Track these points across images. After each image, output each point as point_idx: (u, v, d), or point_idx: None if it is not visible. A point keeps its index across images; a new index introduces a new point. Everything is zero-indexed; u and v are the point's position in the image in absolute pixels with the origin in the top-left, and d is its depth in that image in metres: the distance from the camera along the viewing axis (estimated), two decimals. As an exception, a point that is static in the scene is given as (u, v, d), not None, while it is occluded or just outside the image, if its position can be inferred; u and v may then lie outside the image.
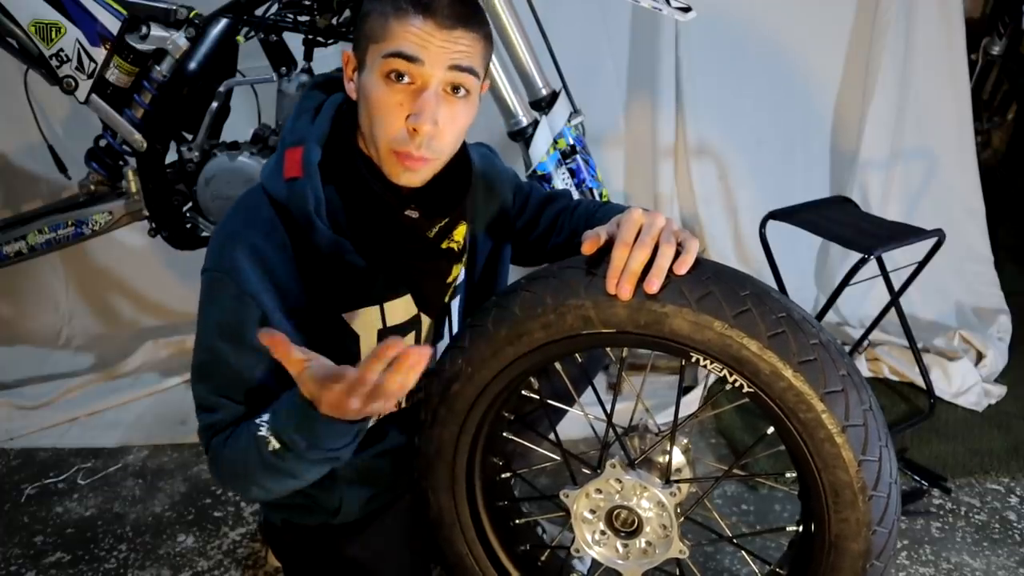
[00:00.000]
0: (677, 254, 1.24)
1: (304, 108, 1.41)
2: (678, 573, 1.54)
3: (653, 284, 1.22)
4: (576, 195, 2.33)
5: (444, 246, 1.43)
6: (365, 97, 1.29)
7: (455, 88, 1.27)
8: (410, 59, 1.23)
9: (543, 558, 1.65)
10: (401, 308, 1.46)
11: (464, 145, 1.41)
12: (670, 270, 1.23)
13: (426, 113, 1.24)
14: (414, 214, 1.34)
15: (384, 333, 1.45)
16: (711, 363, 1.25)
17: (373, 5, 1.28)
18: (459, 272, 1.52)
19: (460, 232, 1.45)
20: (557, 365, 1.50)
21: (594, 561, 1.52)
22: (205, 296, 1.34)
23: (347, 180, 1.35)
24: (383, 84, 1.25)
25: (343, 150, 1.35)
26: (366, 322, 1.43)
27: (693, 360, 1.26)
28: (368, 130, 1.30)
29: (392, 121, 1.26)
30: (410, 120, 1.25)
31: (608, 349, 1.66)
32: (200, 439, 1.42)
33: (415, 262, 1.41)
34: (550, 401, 1.56)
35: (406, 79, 1.24)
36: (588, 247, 1.30)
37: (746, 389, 1.25)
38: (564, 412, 1.71)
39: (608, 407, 1.46)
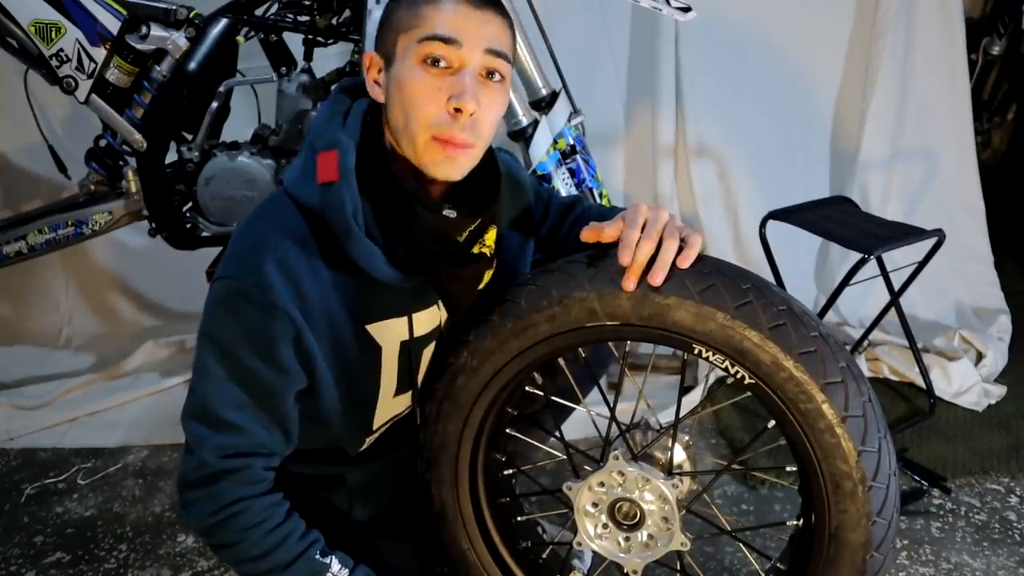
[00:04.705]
0: (680, 249, 1.27)
1: (334, 111, 1.35)
2: (679, 568, 1.55)
3: (657, 276, 1.25)
4: (576, 195, 2.34)
5: (476, 251, 1.40)
6: (399, 88, 1.26)
7: (490, 73, 1.26)
8: (448, 41, 1.21)
9: (544, 555, 1.65)
10: (428, 318, 1.44)
11: (490, 148, 1.38)
12: (673, 263, 1.25)
13: (469, 92, 1.22)
14: (451, 213, 1.30)
15: (407, 344, 1.43)
16: (713, 354, 1.26)
17: (398, 2, 1.28)
18: (489, 277, 1.48)
19: (491, 237, 1.43)
20: (561, 363, 1.51)
21: (594, 560, 1.52)
22: (224, 306, 1.27)
23: (380, 184, 1.29)
24: (420, 70, 1.23)
25: (374, 154, 1.30)
26: (391, 333, 1.40)
27: (695, 352, 1.28)
28: (404, 123, 1.26)
29: (432, 104, 1.23)
30: (452, 101, 1.22)
31: (612, 347, 1.67)
32: (197, 456, 1.30)
33: (447, 267, 1.37)
34: (554, 398, 1.56)
35: (443, 63, 1.23)
36: (587, 235, 1.33)
37: (747, 381, 1.26)
38: (568, 410, 1.71)
39: (611, 403, 1.47)
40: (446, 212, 1.29)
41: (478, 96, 1.23)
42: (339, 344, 1.35)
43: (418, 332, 1.43)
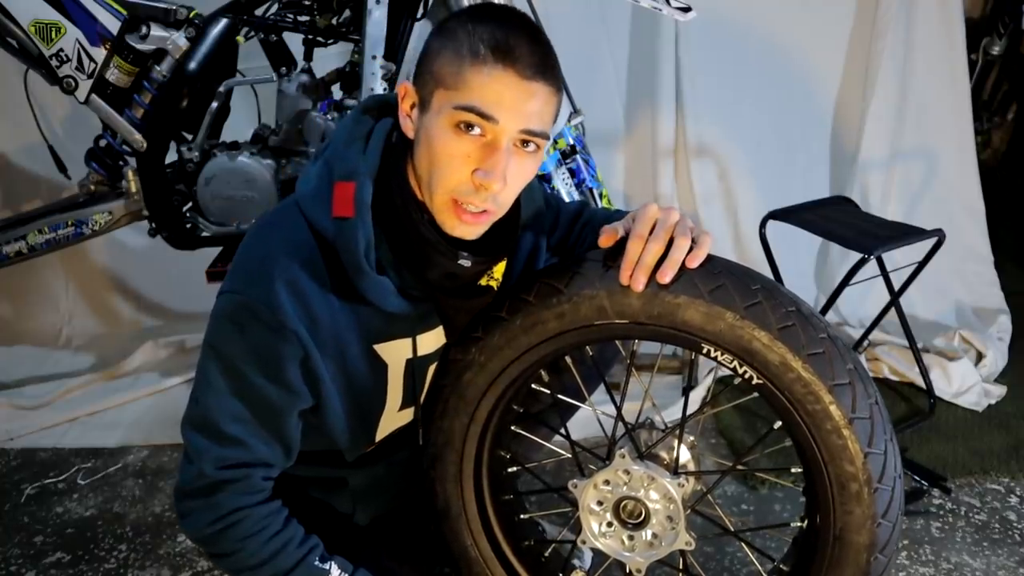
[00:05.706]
0: (691, 249, 1.26)
1: (355, 135, 1.31)
2: (681, 567, 1.55)
3: (666, 274, 1.24)
4: (576, 195, 2.34)
5: (483, 283, 1.40)
6: (428, 142, 1.23)
7: (525, 143, 1.22)
8: (484, 116, 1.17)
9: (546, 553, 1.65)
10: (432, 339, 1.44)
11: None
12: (683, 263, 1.25)
13: (497, 172, 1.19)
14: (467, 263, 1.29)
15: (412, 362, 1.43)
16: (721, 354, 1.27)
17: (444, 43, 1.21)
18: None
19: (499, 269, 1.42)
20: (568, 361, 1.51)
21: (594, 560, 1.52)
22: (231, 320, 1.26)
23: (397, 223, 1.28)
24: (451, 133, 1.20)
25: (394, 189, 1.28)
26: (396, 352, 1.40)
27: (704, 351, 1.28)
28: (427, 175, 1.24)
29: (457, 171, 1.20)
30: (477, 175, 1.20)
31: (620, 346, 1.68)
32: (196, 467, 1.30)
33: (454, 300, 1.37)
34: (560, 397, 1.56)
35: (476, 131, 1.19)
36: (605, 240, 1.32)
37: (755, 381, 1.26)
38: (574, 409, 1.71)
39: (617, 402, 1.47)
40: (461, 261, 1.29)
41: (507, 171, 1.20)
42: (347, 363, 1.34)
43: (422, 352, 1.43)
